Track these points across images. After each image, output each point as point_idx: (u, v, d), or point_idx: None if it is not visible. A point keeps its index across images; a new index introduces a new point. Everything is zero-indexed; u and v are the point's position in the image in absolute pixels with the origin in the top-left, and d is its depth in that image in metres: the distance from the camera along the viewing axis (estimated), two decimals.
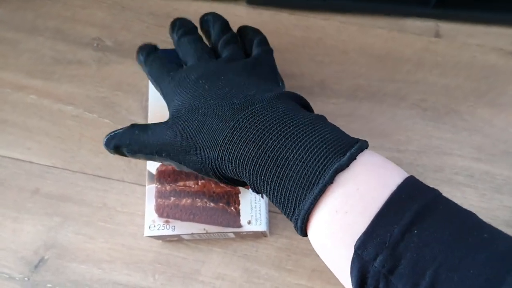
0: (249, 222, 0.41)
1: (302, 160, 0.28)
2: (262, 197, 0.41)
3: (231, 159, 0.31)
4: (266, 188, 0.30)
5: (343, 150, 0.28)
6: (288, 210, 0.29)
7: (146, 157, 0.37)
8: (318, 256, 0.43)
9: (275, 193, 0.29)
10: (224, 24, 0.41)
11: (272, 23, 0.52)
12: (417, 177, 0.45)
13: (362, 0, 0.52)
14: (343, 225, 0.27)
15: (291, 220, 0.30)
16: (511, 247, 0.25)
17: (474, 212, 0.44)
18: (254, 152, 0.30)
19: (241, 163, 0.30)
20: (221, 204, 0.41)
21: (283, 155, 0.29)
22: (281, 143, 0.29)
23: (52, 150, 0.48)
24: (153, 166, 0.43)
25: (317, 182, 0.27)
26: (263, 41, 0.41)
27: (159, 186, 0.42)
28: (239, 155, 0.30)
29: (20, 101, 0.50)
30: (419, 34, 0.51)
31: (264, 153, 0.29)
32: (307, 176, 0.28)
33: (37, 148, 0.48)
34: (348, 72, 0.50)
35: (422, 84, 0.49)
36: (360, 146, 0.29)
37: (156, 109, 0.44)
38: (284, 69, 0.49)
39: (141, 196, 0.46)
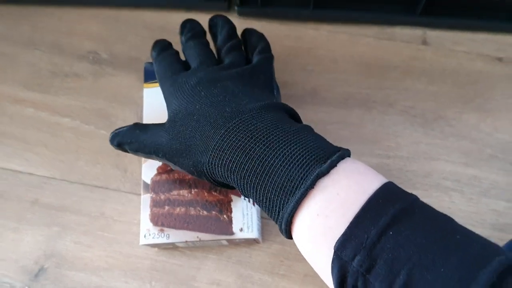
0: (241, 230, 0.42)
1: (286, 167, 0.30)
2: (253, 205, 0.43)
3: (221, 164, 0.32)
4: (253, 193, 0.31)
5: (325, 157, 0.30)
6: (274, 213, 0.31)
7: (145, 155, 0.39)
8: None
9: (261, 197, 0.31)
10: (231, 30, 0.43)
11: (263, 33, 0.53)
12: (406, 182, 0.47)
13: (351, 9, 0.53)
14: (324, 228, 0.28)
15: (276, 222, 0.31)
16: (483, 248, 0.26)
17: (462, 216, 0.46)
18: (242, 159, 0.31)
19: (229, 169, 0.32)
20: (214, 212, 0.42)
21: (268, 162, 0.30)
22: (266, 151, 0.31)
23: (50, 162, 0.49)
24: (147, 176, 0.44)
25: (299, 187, 0.29)
26: (265, 48, 0.43)
27: (153, 196, 0.43)
28: (228, 161, 0.32)
29: (18, 113, 0.51)
30: (407, 42, 0.53)
31: (251, 160, 0.31)
32: (290, 181, 0.29)
33: (36, 159, 0.49)
34: (338, 80, 0.51)
35: (411, 91, 0.50)
36: (342, 154, 0.30)
37: (151, 119, 0.45)
38: (276, 78, 0.50)
39: (137, 205, 0.47)
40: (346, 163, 0.30)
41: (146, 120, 0.46)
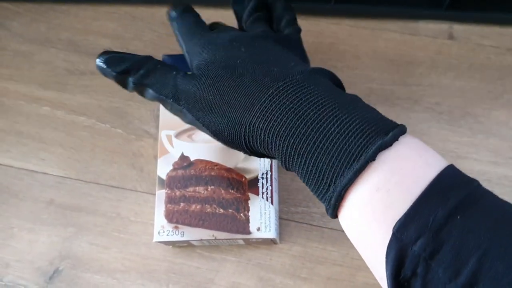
0: (258, 229, 0.40)
1: (344, 135, 0.27)
2: (272, 203, 0.41)
3: (267, 127, 0.29)
4: (300, 162, 0.28)
5: (386, 130, 0.27)
6: (322, 186, 0.27)
7: (157, 97, 0.33)
8: (334, 264, 0.43)
9: (311, 168, 0.28)
10: (257, 2, 0.39)
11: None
12: None
13: (373, 3, 0.51)
14: (383, 205, 0.25)
15: (322, 198, 0.28)
16: None
17: None
18: (293, 122, 0.28)
19: (276, 133, 0.29)
20: (230, 210, 0.41)
21: (324, 127, 0.27)
22: (322, 115, 0.28)
23: (66, 161, 0.48)
24: (163, 171, 0.43)
25: (358, 158, 0.26)
26: (294, 20, 0.40)
27: (169, 192, 0.42)
28: (276, 124, 0.29)
29: (34, 112, 0.50)
30: (432, 37, 0.51)
31: (304, 124, 0.28)
32: (347, 151, 0.26)
33: (51, 159, 0.48)
34: (361, 76, 0.49)
35: (436, 87, 0.48)
36: (402, 128, 0.27)
37: (168, 118, 0.44)
38: None
39: (154, 206, 0.45)
40: (407, 138, 0.27)
41: (162, 119, 0.45)
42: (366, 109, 0.29)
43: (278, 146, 0.29)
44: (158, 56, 0.51)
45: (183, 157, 0.43)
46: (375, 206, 0.25)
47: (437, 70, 0.49)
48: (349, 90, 0.48)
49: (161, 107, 0.45)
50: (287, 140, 0.28)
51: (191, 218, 0.41)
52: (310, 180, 0.28)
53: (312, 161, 0.27)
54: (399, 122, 0.46)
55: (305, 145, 0.28)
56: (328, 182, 0.27)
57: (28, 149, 0.49)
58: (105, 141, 0.49)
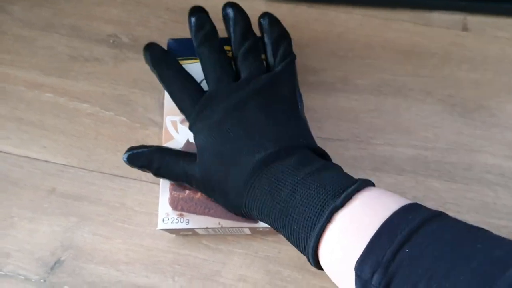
0: None
1: (305, 206, 0.32)
2: None
3: (255, 208, 0.35)
4: (283, 231, 0.34)
5: (340, 191, 0.32)
6: (301, 247, 0.33)
7: (172, 181, 0.41)
8: None
9: (289, 235, 0.34)
10: (245, 27, 0.42)
11: (291, 17, 0.51)
12: (445, 175, 0.44)
13: None
14: (343, 253, 0.30)
15: (305, 255, 0.33)
16: (504, 253, 0.26)
17: (507, 212, 0.43)
18: (270, 203, 0.34)
19: (262, 212, 0.35)
20: None
21: (291, 203, 0.33)
22: (289, 194, 0.33)
23: (68, 149, 0.47)
24: None
25: (318, 222, 0.31)
26: (287, 49, 0.42)
27: None
28: (260, 205, 0.35)
29: (36, 99, 0.49)
30: (446, 28, 0.50)
31: (277, 203, 0.34)
32: (309, 218, 0.32)
33: (53, 146, 0.47)
34: (372, 66, 0.48)
35: (450, 79, 0.47)
36: (358, 186, 0.32)
37: (173, 106, 0.43)
38: (305, 64, 0.48)
39: (158, 195, 0.44)
40: (362, 193, 0.32)
41: (167, 107, 0.43)
42: (327, 175, 0.34)
43: (265, 220, 0.36)
44: (164, 41, 0.50)
45: (189, 144, 0.42)
46: (337, 256, 0.31)
47: (451, 62, 0.48)
48: (359, 80, 0.48)
49: (166, 94, 0.44)
50: (270, 216, 0.35)
51: (196, 205, 0.40)
52: (292, 243, 0.34)
53: (289, 229, 0.33)
54: (411, 114, 0.46)
55: (282, 219, 0.34)
56: (303, 245, 0.33)
57: (29, 136, 0.48)
58: (109, 129, 0.48)
